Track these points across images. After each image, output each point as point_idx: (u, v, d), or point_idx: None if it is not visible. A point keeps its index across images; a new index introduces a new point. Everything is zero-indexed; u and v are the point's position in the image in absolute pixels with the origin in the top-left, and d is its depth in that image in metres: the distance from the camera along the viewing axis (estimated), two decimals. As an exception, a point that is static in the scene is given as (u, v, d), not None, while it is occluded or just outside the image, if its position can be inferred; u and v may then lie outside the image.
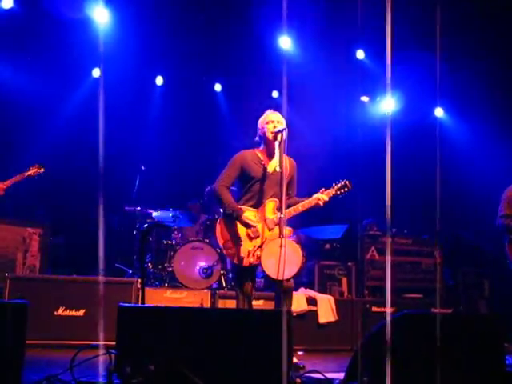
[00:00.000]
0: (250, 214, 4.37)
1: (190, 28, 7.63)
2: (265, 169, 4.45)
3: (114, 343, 3.09)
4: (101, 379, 2.96)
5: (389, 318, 2.87)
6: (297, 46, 7.92)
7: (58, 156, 7.59)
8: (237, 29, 7.72)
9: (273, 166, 4.44)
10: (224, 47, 7.92)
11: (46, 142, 7.68)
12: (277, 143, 4.34)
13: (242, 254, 4.32)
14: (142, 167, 6.82)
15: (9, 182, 5.17)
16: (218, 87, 8.99)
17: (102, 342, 3.98)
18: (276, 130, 4.35)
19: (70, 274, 6.12)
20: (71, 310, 5.62)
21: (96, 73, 8.02)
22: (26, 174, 5.29)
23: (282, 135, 4.28)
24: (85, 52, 7.15)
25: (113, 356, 2.97)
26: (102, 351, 3.09)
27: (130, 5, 7.08)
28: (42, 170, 5.37)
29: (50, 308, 5.56)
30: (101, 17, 6.99)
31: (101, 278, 5.11)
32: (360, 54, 8.31)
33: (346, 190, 4.50)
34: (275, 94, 8.90)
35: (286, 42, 7.74)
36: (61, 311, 5.60)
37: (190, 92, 8.53)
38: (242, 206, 4.41)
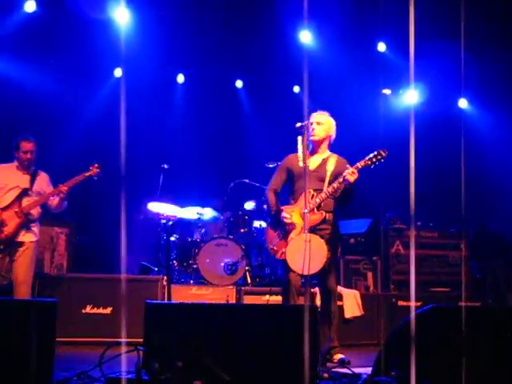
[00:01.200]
0: (287, 211, 4.47)
1: (209, 25, 7.63)
2: (300, 167, 4.51)
3: (141, 340, 3.13)
4: (129, 375, 3.00)
5: (413, 312, 2.85)
6: (317, 40, 7.87)
7: (81, 156, 7.68)
8: (256, 24, 7.72)
9: (315, 163, 4.53)
10: (244, 43, 7.92)
11: (70, 141, 7.78)
12: (299, 138, 4.36)
13: (282, 249, 4.46)
14: (165, 166, 6.87)
15: (70, 183, 5.16)
16: (239, 84, 8.97)
17: (129, 340, 4.03)
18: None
19: (96, 272, 6.20)
20: (99, 307, 5.70)
21: (118, 73, 8.07)
22: (87, 174, 5.20)
23: (306, 132, 4.34)
24: (106, 52, 7.20)
25: (141, 352, 3.01)
26: (130, 348, 3.13)
27: (150, 4, 7.11)
28: (99, 170, 5.33)
29: (78, 306, 5.65)
30: (122, 17, 7.03)
31: (123, 276, 5.15)
32: (381, 47, 8.23)
33: (379, 157, 4.38)
34: (296, 88, 8.85)
35: (306, 37, 7.70)
36: (88, 309, 5.68)
37: (211, 89, 8.54)
38: (286, 206, 4.58)
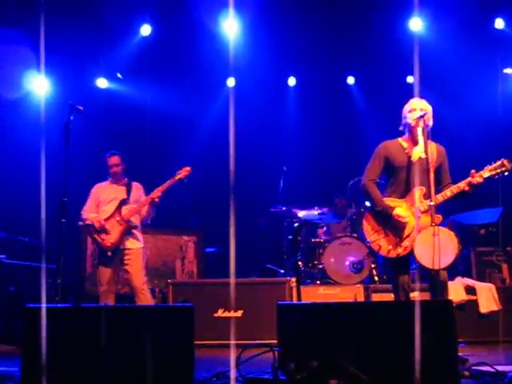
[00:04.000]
0: (400, 210, 4.26)
1: (316, 25, 7.62)
2: (409, 157, 4.32)
3: (272, 341, 3.18)
4: (266, 375, 3.06)
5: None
6: (429, 25, 7.56)
7: (203, 165, 7.99)
8: (363, 18, 7.59)
9: (417, 153, 4.29)
10: (352, 39, 7.82)
11: (190, 152, 8.12)
12: (419, 129, 4.21)
13: (389, 246, 4.25)
14: (284, 168, 6.95)
15: (161, 188, 5.44)
16: (350, 80, 8.85)
17: (261, 341, 4.12)
18: (417, 115, 4.23)
19: (223, 277, 6.40)
20: (229, 311, 5.85)
21: (231, 82, 8.27)
22: (177, 177, 5.48)
23: (423, 120, 4.16)
24: (218, 64, 7.42)
25: (276, 353, 3.06)
26: (265, 349, 3.19)
27: (256, 11, 7.23)
28: (190, 169, 5.51)
29: (210, 310, 5.84)
30: (231, 28, 7.22)
31: (232, 280, 5.27)
32: (499, 23, 7.72)
33: (503, 169, 4.17)
34: (410, 79, 8.56)
35: (416, 24, 7.43)
36: (220, 313, 5.86)
37: (322, 88, 8.51)
38: (389, 198, 4.34)
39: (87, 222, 5.50)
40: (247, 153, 7.64)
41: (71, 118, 4.52)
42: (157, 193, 5.40)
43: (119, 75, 8.25)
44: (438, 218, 4.15)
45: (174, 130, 8.34)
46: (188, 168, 5.52)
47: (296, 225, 6.43)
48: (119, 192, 5.56)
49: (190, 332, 3.02)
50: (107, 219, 5.43)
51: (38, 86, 7.10)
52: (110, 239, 5.37)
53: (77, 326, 3.01)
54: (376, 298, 5.91)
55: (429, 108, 4.34)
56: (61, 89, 7.51)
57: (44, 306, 3.00)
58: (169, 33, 7.72)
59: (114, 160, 5.61)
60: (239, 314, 5.81)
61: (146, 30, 7.70)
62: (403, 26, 7.52)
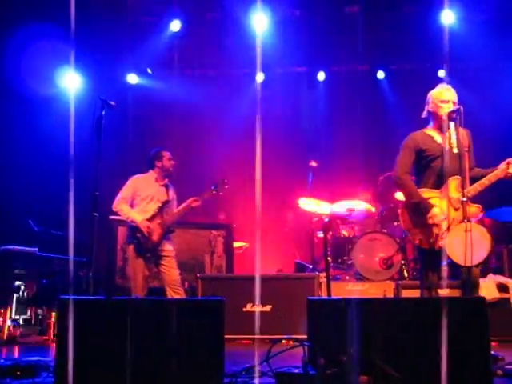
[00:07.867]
0: (437, 209, 4.17)
1: (346, 19, 7.59)
2: (439, 146, 4.23)
3: (300, 336, 3.18)
4: (296, 370, 3.05)
5: None
6: (460, 17, 7.42)
7: (231, 160, 8.01)
8: (394, 11, 7.52)
9: (447, 142, 4.20)
10: (383, 32, 7.75)
11: (219, 147, 8.14)
12: (452, 124, 4.13)
13: (431, 238, 4.16)
14: (313, 164, 6.91)
15: (201, 199, 5.44)
16: (380, 75, 8.74)
17: (290, 336, 4.11)
18: (451, 109, 4.15)
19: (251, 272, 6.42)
20: (258, 305, 5.86)
21: (259, 77, 8.25)
22: (213, 191, 5.52)
23: (460, 115, 4.07)
24: (247, 59, 7.43)
25: (306, 348, 3.05)
26: (294, 344, 3.19)
27: (286, 5, 7.22)
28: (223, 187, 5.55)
29: (239, 304, 5.85)
30: (260, 23, 7.22)
31: (258, 274, 5.26)
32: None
33: None
34: (441, 73, 8.43)
35: (448, 17, 7.30)
36: (249, 307, 5.87)
37: (352, 83, 8.44)
38: (423, 189, 4.25)
39: (130, 222, 5.34)
40: (276, 147, 7.64)
41: (103, 113, 4.54)
42: (198, 202, 5.39)
43: (149, 71, 8.31)
44: (478, 207, 4.11)
45: (203, 125, 8.37)
46: (222, 181, 5.55)
47: (326, 220, 6.40)
48: (160, 193, 5.45)
49: (220, 325, 3.03)
50: (149, 220, 5.32)
51: (70, 81, 7.19)
52: (151, 241, 5.29)
53: (108, 318, 3.04)
54: (406, 294, 5.86)
55: (456, 98, 4.24)
56: (92, 84, 7.59)
57: (74, 297, 3.03)
58: (198, 28, 7.76)
59: (170, 154, 5.53)
60: (268, 308, 5.82)
61: (175, 25, 7.75)
62: (434, 19, 7.41)
